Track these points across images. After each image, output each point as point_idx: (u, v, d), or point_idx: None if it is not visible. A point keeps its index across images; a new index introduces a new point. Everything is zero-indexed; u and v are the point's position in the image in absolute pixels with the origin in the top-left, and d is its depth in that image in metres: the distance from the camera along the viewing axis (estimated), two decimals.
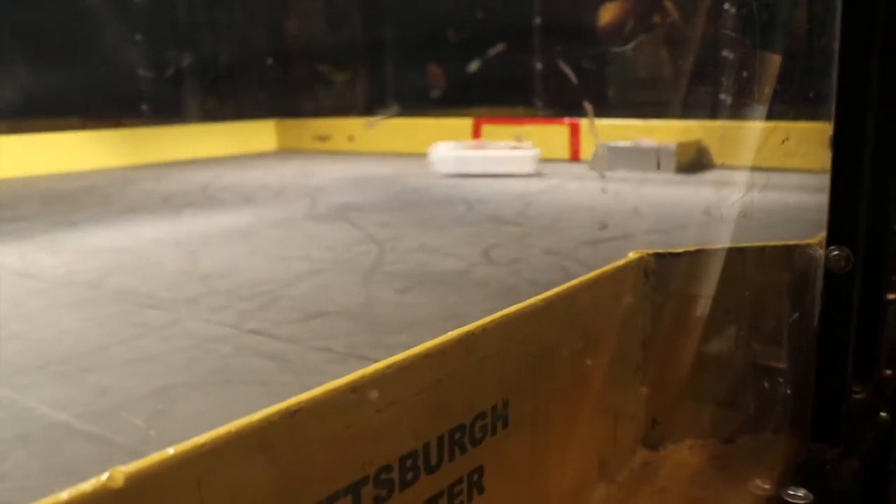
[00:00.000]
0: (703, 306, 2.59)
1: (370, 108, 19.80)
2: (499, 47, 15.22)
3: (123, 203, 11.84)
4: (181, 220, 9.88)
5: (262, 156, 19.14)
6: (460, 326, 1.95)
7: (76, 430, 3.64)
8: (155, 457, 1.23)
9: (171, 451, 1.25)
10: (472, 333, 1.95)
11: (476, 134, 16.18)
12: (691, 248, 2.46)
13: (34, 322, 5.41)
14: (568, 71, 14.31)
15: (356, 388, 1.60)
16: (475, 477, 2.02)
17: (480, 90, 17.03)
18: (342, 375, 1.65)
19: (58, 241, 8.61)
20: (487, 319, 2.02)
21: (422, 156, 16.64)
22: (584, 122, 14.54)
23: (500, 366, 2.08)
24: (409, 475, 1.78)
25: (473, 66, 15.28)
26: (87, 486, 1.14)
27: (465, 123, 16.39)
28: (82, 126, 17.19)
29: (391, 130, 18.11)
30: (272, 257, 7.29)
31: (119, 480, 1.17)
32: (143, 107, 18.59)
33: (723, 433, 2.68)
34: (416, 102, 18.23)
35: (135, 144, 17.89)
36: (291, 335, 4.87)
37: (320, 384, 1.51)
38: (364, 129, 18.46)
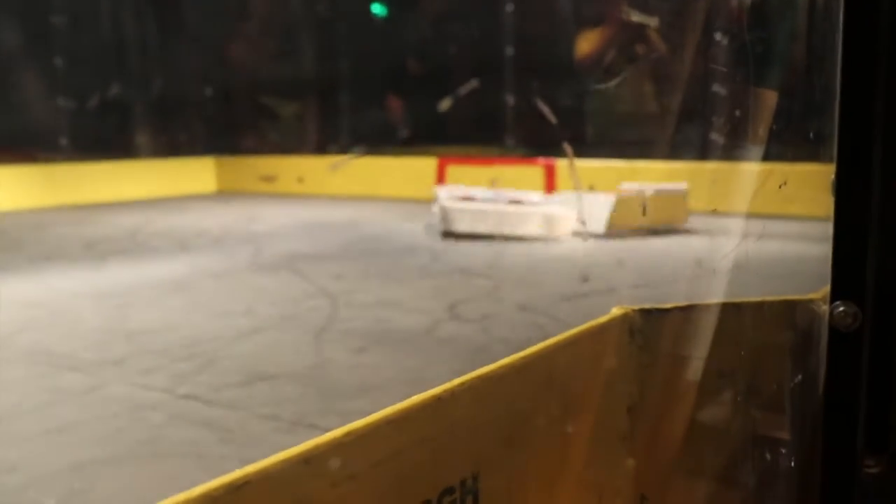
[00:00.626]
0: (695, 368, 2.61)
1: (322, 145, 19.87)
2: (471, 84, 15.39)
3: (37, 249, 11.70)
4: (106, 269, 9.78)
5: (199, 198, 19.09)
6: (424, 391, 1.96)
7: None
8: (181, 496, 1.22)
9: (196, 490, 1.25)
10: (439, 398, 1.95)
11: (440, 177, 16.25)
12: (681, 304, 2.49)
13: None
14: (546, 110, 14.38)
15: (309, 459, 1.60)
16: None
17: (445, 127, 17.20)
18: (291, 446, 1.64)
19: None
20: (456, 382, 2.02)
21: (379, 199, 16.73)
22: (562, 164, 14.71)
23: (471, 434, 2.08)
24: None
25: (444, 104, 15.43)
26: None
27: (427, 164, 16.49)
28: None
29: (345, 171, 18.17)
30: (211, 312, 7.24)
31: None
32: (62, 141, 18.51)
33: None
34: (374, 140, 18.36)
35: (51, 183, 17.74)
36: (232, 401, 4.82)
37: (266, 456, 1.50)
38: (320, 169, 18.49)
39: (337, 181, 18.13)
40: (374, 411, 1.75)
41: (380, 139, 18.27)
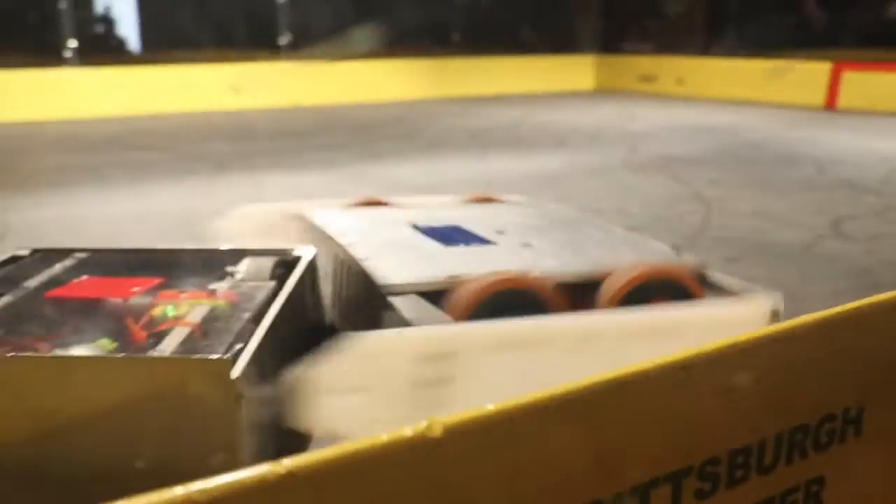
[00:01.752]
0: None
1: (707, 46, 19.10)
2: None
3: (430, 137, 12.47)
4: (488, 159, 10.22)
5: (577, 94, 19.26)
6: (799, 310, 1.85)
7: None
8: (472, 411, 1.30)
9: (489, 407, 1.33)
10: (829, 321, 1.85)
11: (834, 84, 15.02)
12: None
13: None
14: None
15: (687, 367, 1.59)
16: (814, 488, 1.94)
17: (841, 28, 15.85)
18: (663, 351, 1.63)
19: (362, 173, 9.27)
20: (849, 307, 1.90)
21: (762, 105, 15.89)
22: None
23: (859, 364, 1.96)
24: (739, 473, 1.75)
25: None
26: (407, 431, 1.24)
27: (819, 69, 15.33)
28: (390, 55, 18.27)
29: (725, 74, 17.40)
30: (583, 207, 7.35)
31: (437, 430, 1.26)
32: (455, 36, 19.40)
33: None
34: (762, 41, 17.34)
35: (443, 75, 18.71)
36: None
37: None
38: (702, 71, 17.85)
39: (717, 84, 17.44)
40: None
41: (767, 40, 17.22)
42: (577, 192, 8.11)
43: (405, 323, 2.97)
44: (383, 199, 4.83)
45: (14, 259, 3.61)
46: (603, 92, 19.89)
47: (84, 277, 3.56)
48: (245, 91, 15.94)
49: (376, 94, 17.62)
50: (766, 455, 1.75)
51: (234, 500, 1.05)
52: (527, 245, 3.62)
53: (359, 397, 2.75)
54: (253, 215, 4.65)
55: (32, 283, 3.45)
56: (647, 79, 19.26)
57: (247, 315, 2.95)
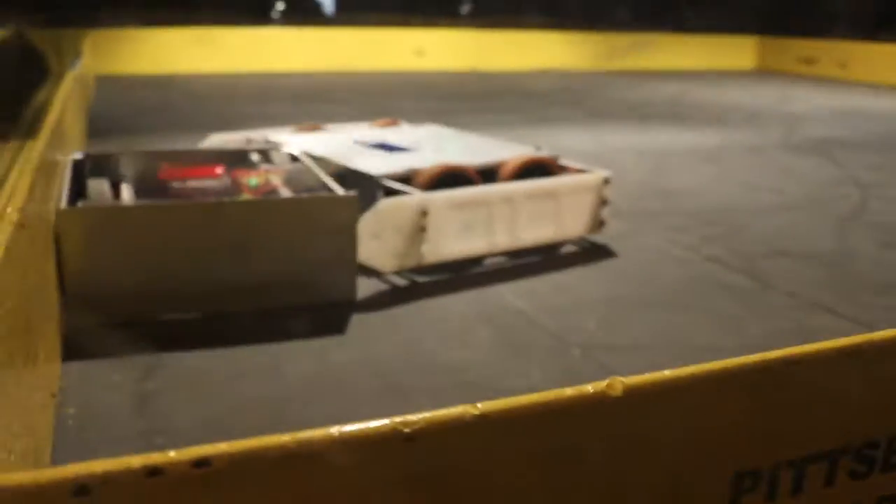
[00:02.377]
0: None
1: (874, 30, 17.89)
2: None
3: (593, 107, 12.28)
4: (647, 131, 9.98)
5: (737, 74, 18.51)
6: None
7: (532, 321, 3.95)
8: (651, 376, 1.30)
9: (666, 373, 1.31)
10: None
11: None
12: None
13: None
14: None
15: (860, 352, 1.52)
16: None
17: None
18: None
19: (532, 137, 9.21)
20: None
21: None
22: None
23: None
24: None
25: None
26: (588, 388, 1.25)
27: None
28: (559, 27, 18.07)
29: (893, 60, 16.31)
30: (739, 184, 7.09)
31: (617, 389, 1.26)
32: (622, 14, 18.99)
33: None
34: None
35: (610, 49, 18.36)
36: (753, 270, 4.73)
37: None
38: (867, 55, 16.76)
39: (882, 70, 16.38)
40: None
41: None
42: (735, 169, 7.82)
43: (395, 194, 4.40)
44: (318, 125, 6.73)
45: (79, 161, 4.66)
46: (763, 72, 19.05)
47: (164, 166, 4.74)
48: (427, 54, 16.08)
49: (545, 63, 17.46)
50: None
51: (435, 433, 1.08)
52: (440, 150, 5.46)
53: (377, 241, 4.20)
54: (223, 139, 6.06)
55: (128, 172, 4.68)
56: (809, 61, 18.30)
57: (310, 178, 4.45)
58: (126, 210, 3.85)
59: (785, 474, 1.48)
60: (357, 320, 3.83)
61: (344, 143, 5.73)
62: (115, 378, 3.15)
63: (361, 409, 2.72)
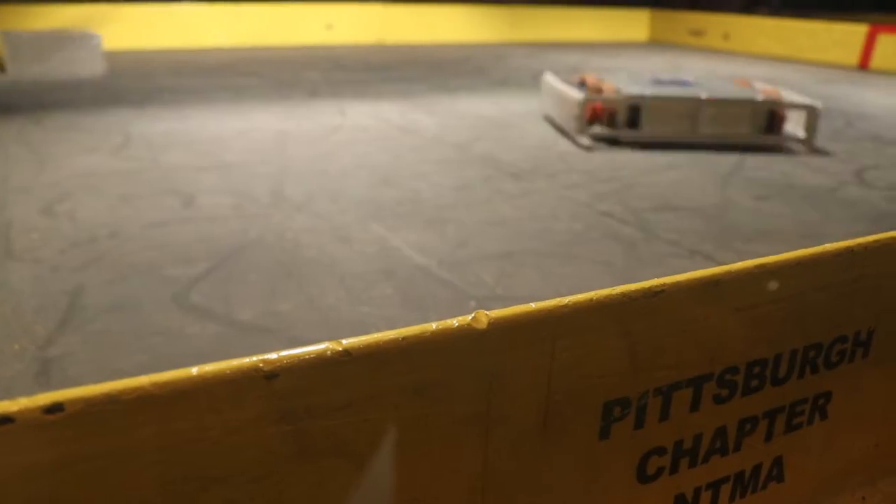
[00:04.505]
0: None
1: (749, 5, 18.32)
2: None
3: (496, 76, 12.24)
4: None
5: (632, 45, 18.72)
6: (819, 244, 1.76)
7: (434, 274, 3.92)
8: (515, 308, 1.26)
9: (532, 305, 1.28)
10: (851, 251, 1.76)
11: (869, 44, 14.34)
12: None
13: (409, 172, 5.86)
14: None
15: (718, 283, 1.52)
16: (821, 401, 1.87)
17: None
18: (686, 271, 1.57)
19: (434, 103, 9.16)
20: (869, 239, 1.80)
21: (800, 62, 15.27)
22: None
23: (872, 292, 1.87)
24: (754, 382, 1.68)
25: None
26: (453, 322, 1.20)
27: (856, 31, 14.63)
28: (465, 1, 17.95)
29: (768, 32, 16.72)
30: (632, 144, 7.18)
31: (483, 322, 1.22)
32: None
33: None
34: (803, 3, 16.58)
35: (513, 21, 18.36)
36: (642, 223, 4.79)
37: (656, 273, 1.46)
38: (747, 28, 17.15)
39: (759, 41, 16.79)
40: (768, 254, 1.62)
41: (807, 2, 16.45)
42: None
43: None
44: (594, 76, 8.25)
45: None
46: (656, 44, 19.30)
47: None
48: (336, 28, 15.79)
49: (451, 35, 17.36)
50: (781, 368, 1.68)
51: (297, 370, 1.02)
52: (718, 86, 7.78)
53: None
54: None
55: None
56: (696, 33, 18.62)
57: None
58: None
59: (653, 402, 1.48)
60: None
61: (648, 83, 7.84)
62: None
63: None
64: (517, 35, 18.08)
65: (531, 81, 11.48)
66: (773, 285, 1.56)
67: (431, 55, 14.96)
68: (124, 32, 14.24)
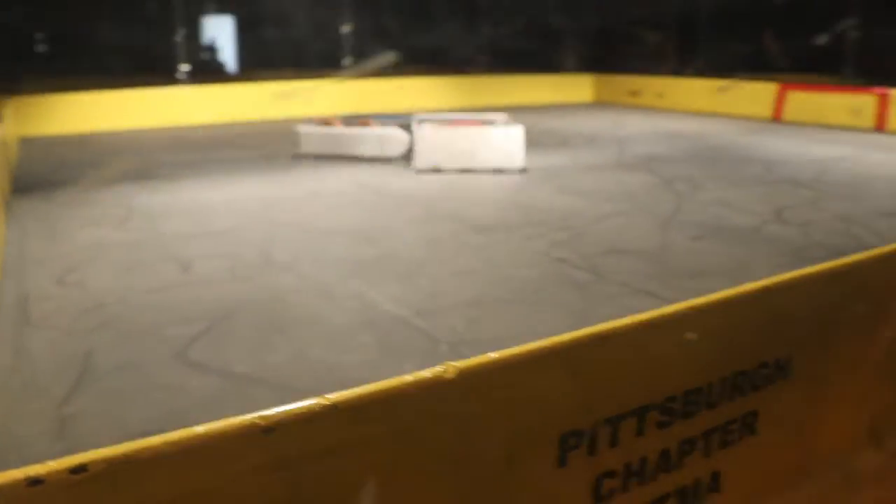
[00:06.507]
0: None
1: (679, 68, 18.77)
2: (849, 21, 13.52)
3: None
4: None
5: (579, 106, 19.07)
6: (749, 279, 1.85)
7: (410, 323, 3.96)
8: (479, 358, 1.31)
9: (493, 355, 1.33)
10: (769, 289, 1.84)
11: (780, 100, 14.78)
12: None
13: (384, 231, 5.92)
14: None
15: (656, 325, 1.58)
16: (749, 419, 1.93)
17: (787, 56, 15.56)
18: (637, 309, 1.63)
19: (404, 167, 9.25)
20: (783, 277, 1.88)
21: (725, 116, 15.65)
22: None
23: (789, 323, 1.95)
24: (691, 408, 1.74)
25: (821, 39, 13.74)
26: (426, 373, 1.25)
27: (769, 88, 15.07)
28: (429, 73, 18.19)
29: (697, 90, 17.15)
30: (581, 196, 7.29)
31: (451, 373, 1.27)
32: (481, 59, 19.33)
33: None
34: (723, 65, 17.03)
35: (471, 89, 18.65)
36: (594, 266, 4.87)
37: (617, 316, 1.52)
38: (677, 87, 17.59)
39: (690, 99, 17.19)
40: (706, 290, 1.69)
41: (728, 64, 16.90)
42: (576, 183, 8.04)
43: None
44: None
45: None
46: (599, 104, 19.69)
47: None
48: (294, 98, 15.80)
49: (418, 104, 17.51)
50: (713, 394, 1.74)
51: (291, 423, 1.06)
52: None
53: None
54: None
55: None
56: (634, 93, 19.02)
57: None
58: None
59: (603, 431, 1.53)
60: None
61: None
62: None
63: None
64: (477, 101, 18.34)
65: None
66: (690, 335, 1.63)
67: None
68: (121, 115, 14.29)
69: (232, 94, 15.81)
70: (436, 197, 7.37)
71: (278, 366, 3.43)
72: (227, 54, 19.23)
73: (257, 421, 1.03)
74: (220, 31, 19.15)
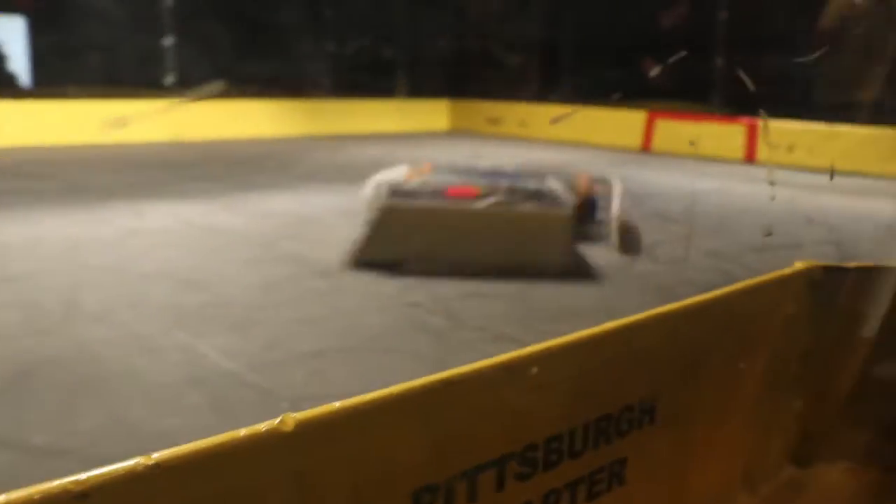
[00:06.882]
0: (872, 325, 2.48)
1: (543, 95, 19.61)
2: (680, 54, 14.66)
3: (300, 171, 12.39)
4: (354, 191, 10.21)
5: (434, 135, 19.48)
6: (613, 317, 1.98)
7: (244, 379, 3.90)
8: (321, 408, 1.35)
9: (336, 404, 1.37)
10: (629, 327, 1.98)
11: (649, 129, 15.77)
12: (865, 264, 2.36)
13: (214, 274, 5.82)
14: (745, 78, 13.30)
15: (511, 368, 1.67)
16: (617, 468, 2.06)
17: (657, 85, 16.71)
18: (494, 355, 1.72)
19: (238, 202, 9.15)
20: (644, 315, 2.03)
21: (591, 146, 16.48)
22: (761, 125, 13.91)
23: (653, 362, 2.10)
24: (554, 457, 1.84)
25: (654, 72, 14.80)
26: (262, 426, 1.27)
27: (637, 117, 16.06)
28: (265, 96, 18.08)
29: (564, 120, 17.96)
30: None
31: (290, 425, 1.29)
32: (325, 82, 19.41)
33: (884, 460, 2.57)
34: (589, 93, 17.99)
35: (314, 115, 18.64)
36: (448, 311, 4.99)
37: (472, 361, 1.60)
38: (541, 116, 18.33)
39: (553, 128, 17.97)
40: (570, 331, 1.80)
41: (596, 92, 17.88)
42: None
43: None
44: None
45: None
46: (456, 132, 20.18)
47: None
48: (130, 125, 15.42)
49: (252, 130, 17.37)
50: (577, 441, 1.85)
51: (108, 488, 1.06)
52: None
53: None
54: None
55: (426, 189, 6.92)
56: (494, 121, 19.65)
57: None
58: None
59: (459, 485, 1.59)
60: None
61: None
62: None
63: None
64: (318, 128, 18.34)
65: (336, 175, 11.70)
66: (533, 370, 1.72)
67: (233, 151, 14.92)
68: None
69: (27, 111, 15.03)
70: (275, 236, 7.31)
71: (88, 433, 3.29)
72: (19, 64, 18.22)
73: (69, 486, 1.02)
74: (8, 36, 18.08)
